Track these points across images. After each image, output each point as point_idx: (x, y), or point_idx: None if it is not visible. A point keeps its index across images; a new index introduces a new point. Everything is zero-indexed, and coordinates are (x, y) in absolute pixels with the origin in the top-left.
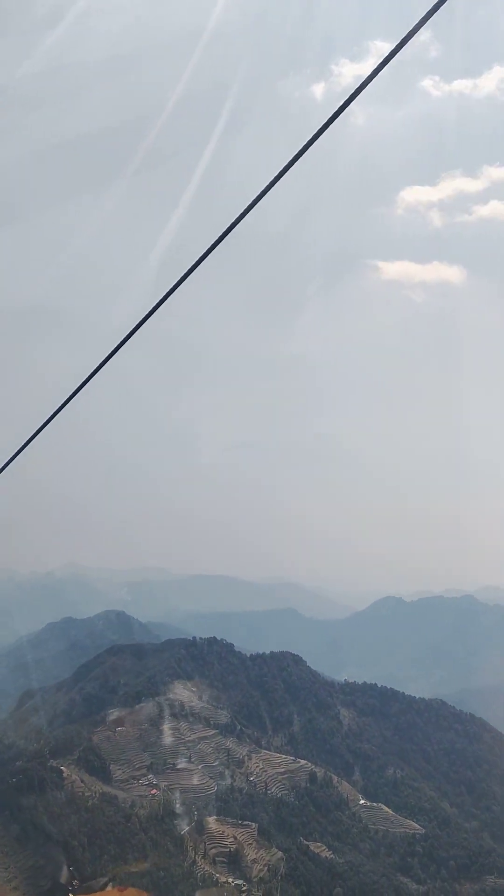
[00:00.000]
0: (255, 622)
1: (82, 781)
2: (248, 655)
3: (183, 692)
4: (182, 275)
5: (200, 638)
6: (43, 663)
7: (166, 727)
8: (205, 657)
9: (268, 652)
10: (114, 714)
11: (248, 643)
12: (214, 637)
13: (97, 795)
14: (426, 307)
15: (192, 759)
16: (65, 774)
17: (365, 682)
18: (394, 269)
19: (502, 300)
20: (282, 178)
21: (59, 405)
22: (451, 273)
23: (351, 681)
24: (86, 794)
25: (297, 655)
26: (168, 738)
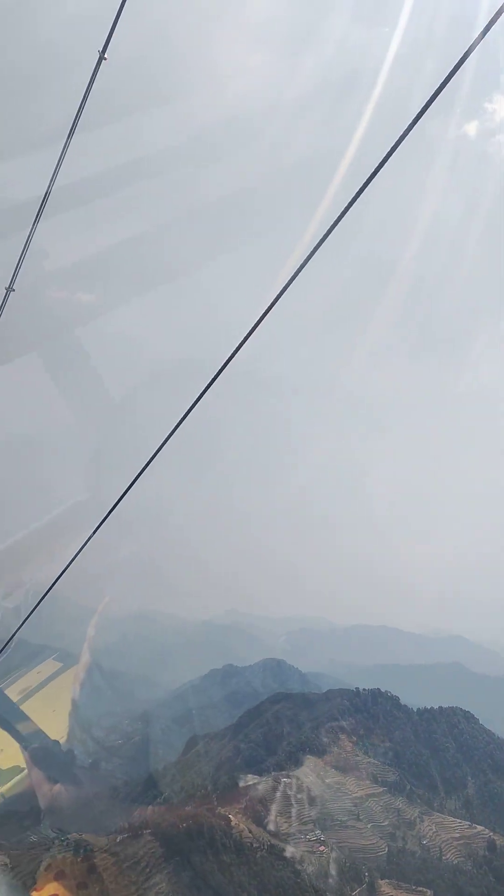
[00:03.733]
0: (419, 676)
1: (250, 832)
2: (415, 710)
3: (347, 745)
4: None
5: (364, 689)
6: (206, 709)
7: (332, 781)
8: (369, 709)
9: (435, 707)
10: (277, 765)
11: (413, 698)
12: (378, 689)
13: (265, 847)
14: None
15: (361, 818)
16: (233, 823)
17: None
18: None
19: None
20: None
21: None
22: None
23: None
24: (254, 845)
25: (469, 712)
26: (334, 793)
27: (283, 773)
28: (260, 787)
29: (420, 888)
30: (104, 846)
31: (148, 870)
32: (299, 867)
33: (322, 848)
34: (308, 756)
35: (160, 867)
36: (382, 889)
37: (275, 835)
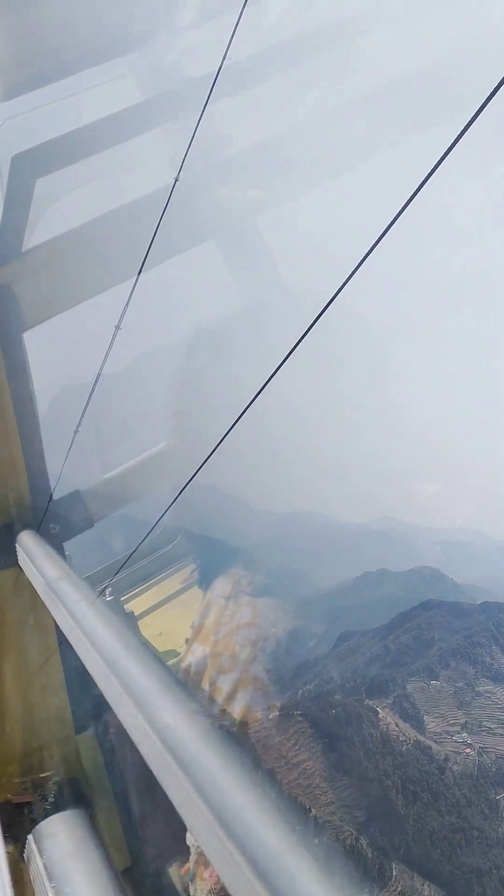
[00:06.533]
0: None
1: (396, 725)
2: None
3: (501, 656)
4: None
5: None
6: (358, 609)
7: (483, 689)
8: None
9: None
10: (426, 667)
11: None
12: None
13: (411, 742)
14: None
15: None
16: (380, 715)
17: None
18: None
19: None
20: None
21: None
22: None
23: None
24: (400, 738)
25: None
26: (484, 701)
27: (432, 675)
28: (408, 686)
29: None
30: (259, 720)
31: (297, 747)
32: (444, 765)
33: (468, 750)
34: (457, 662)
35: (308, 746)
36: None
37: (421, 732)
